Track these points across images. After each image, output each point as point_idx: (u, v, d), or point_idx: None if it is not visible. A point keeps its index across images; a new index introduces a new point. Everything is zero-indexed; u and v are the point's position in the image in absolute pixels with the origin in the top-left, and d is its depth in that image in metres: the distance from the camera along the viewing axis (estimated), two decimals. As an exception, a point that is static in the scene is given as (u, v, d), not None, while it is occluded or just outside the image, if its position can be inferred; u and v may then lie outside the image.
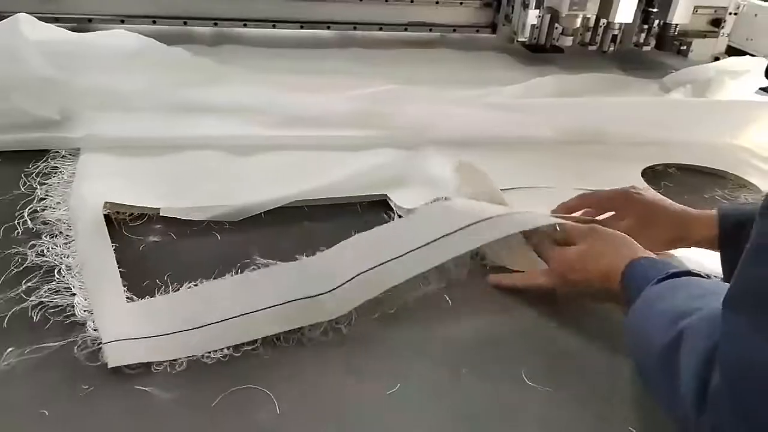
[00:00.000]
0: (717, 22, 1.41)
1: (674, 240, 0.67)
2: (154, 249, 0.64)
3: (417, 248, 0.58)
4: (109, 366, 0.49)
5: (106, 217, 0.65)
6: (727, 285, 0.41)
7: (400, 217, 0.72)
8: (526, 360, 0.54)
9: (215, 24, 1.19)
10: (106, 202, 0.67)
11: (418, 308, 0.58)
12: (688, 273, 0.51)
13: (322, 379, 0.51)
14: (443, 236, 0.59)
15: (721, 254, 0.64)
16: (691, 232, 0.66)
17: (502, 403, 0.50)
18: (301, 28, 1.22)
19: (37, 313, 0.53)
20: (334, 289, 0.56)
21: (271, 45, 1.20)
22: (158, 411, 0.47)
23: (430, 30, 1.31)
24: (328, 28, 1.24)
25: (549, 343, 0.57)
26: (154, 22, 1.16)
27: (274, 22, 1.20)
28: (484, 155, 0.89)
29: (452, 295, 0.61)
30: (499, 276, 0.64)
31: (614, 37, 1.31)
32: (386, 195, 0.77)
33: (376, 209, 0.75)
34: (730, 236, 0.62)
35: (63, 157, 0.77)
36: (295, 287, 0.57)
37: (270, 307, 0.55)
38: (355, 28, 1.25)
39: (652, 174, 0.91)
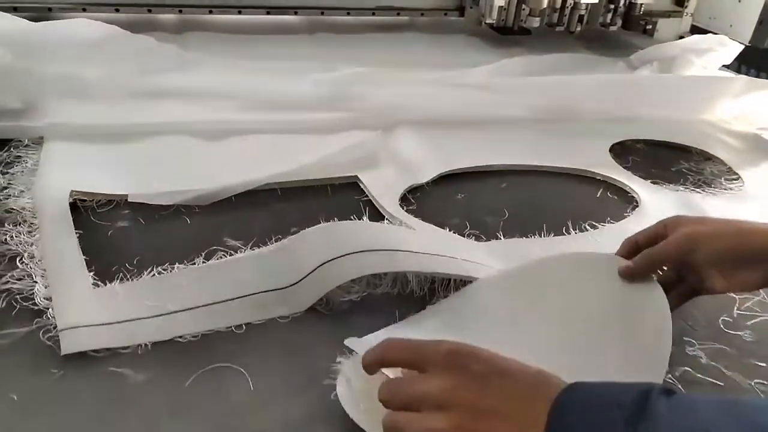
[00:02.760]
0: (681, 2, 1.43)
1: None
2: (122, 234, 0.63)
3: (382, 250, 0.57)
4: (62, 353, 0.48)
5: (73, 204, 0.64)
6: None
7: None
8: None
9: (180, 11, 1.17)
10: (72, 190, 0.65)
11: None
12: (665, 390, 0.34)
13: (296, 355, 0.51)
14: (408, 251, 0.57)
15: None
16: None
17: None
18: (268, 13, 1.21)
19: (3, 299, 0.52)
20: (299, 281, 0.56)
21: (238, 32, 1.19)
22: (132, 392, 0.46)
23: (398, 14, 1.30)
24: (296, 13, 1.22)
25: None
26: (117, 10, 1.14)
27: (240, 8, 1.19)
28: (455, 134, 0.90)
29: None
30: None
31: (581, 17, 1.33)
32: (357, 176, 0.77)
33: (346, 191, 0.75)
34: None
35: (26, 146, 0.76)
36: (259, 279, 0.56)
37: (235, 298, 0.54)
38: (322, 13, 1.24)
39: (620, 149, 0.93)
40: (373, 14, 1.29)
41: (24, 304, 0.52)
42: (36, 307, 0.52)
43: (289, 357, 0.50)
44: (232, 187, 0.70)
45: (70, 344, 0.48)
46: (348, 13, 1.27)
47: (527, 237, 0.68)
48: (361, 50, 1.18)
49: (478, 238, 0.67)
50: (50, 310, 0.51)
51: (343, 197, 0.74)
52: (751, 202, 0.80)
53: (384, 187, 0.75)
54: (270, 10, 1.21)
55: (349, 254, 0.56)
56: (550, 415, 0.33)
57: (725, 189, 0.83)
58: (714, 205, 0.78)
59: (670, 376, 0.52)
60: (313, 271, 0.56)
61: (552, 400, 0.33)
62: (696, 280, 0.52)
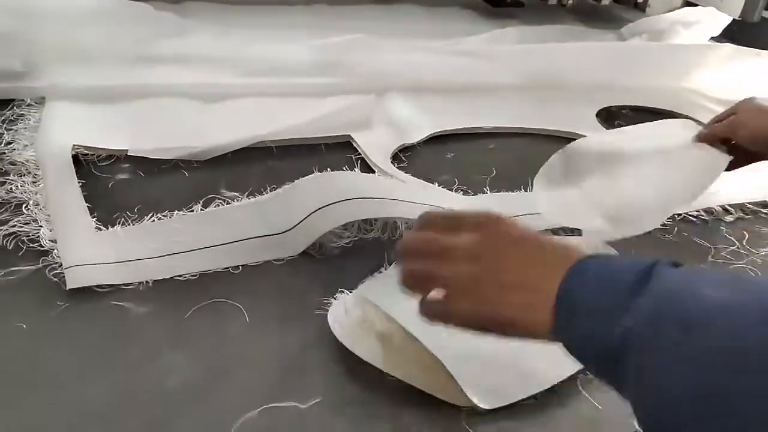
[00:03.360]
0: (672, -24, 1.44)
1: None
2: (123, 186, 0.66)
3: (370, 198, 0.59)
4: (68, 287, 0.50)
5: (75, 157, 0.67)
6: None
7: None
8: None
9: (177, -19, 1.18)
10: (74, 145, 0.68)
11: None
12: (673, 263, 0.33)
13: (289, 293, 0.53)
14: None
15: None
16: None
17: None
18: (265, -18, 1.22)
19: (10, 241, 0.55)
20: (293, 227, 0.58)
21: (236, 2, 1.21)
22: (134, 323, 0.49)
23: (393, -14, 1.32)
24: (292, -17, 1.24)
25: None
26: (115, -20, 1.15)
27: (238, -22, 1.20)
28: (446, 98, 0.92)
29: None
30: None
31: (572, -10, 1.35)
32: (350, 136, 0.79)
33: (340, 149, 0.77)
34: None
35: (28, 105, 0.78)
36: (255, 225, 0.59)
37: (232, 242, 0.57)
38: (319, -17, 1.26)
39: (606, 114, 0.95)
40: (369, -14, 1.30)
41: (30, 245, 0.55)
42: (42, 248, 0.55)
43: (282, 295, 0.53)
44: (228, 144, 0.73)
45: (74, 280, 0.51)
46: (344, -16, 1.28)
47: (514, 191, 0.71)
48: (357, 21, 1.20)
49: (465, 193, 0.70)
50: (55, 251, 0.54)
51: (337, 155, 0.76)
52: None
53: (376, 146, 0.77)
54: (267, -21, 1.22)
55: (341, 201, 0.58)
56: (560, 289, 0.33)
57: (707, 151, 0.86)
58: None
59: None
60: (306, 218, 0.58)
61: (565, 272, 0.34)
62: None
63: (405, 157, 0.77)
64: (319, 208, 0.58)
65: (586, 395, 0.47)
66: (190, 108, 0.82)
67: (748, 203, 0.74)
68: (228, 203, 0.62)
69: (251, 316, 0.51)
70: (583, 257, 0.35)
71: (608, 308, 0.32)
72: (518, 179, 0.72)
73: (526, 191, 0.71)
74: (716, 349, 0.28)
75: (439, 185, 0.70)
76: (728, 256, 0.65)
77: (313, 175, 0.63)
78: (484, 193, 0.70)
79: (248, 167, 0.71)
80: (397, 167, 0.73)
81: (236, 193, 0.65)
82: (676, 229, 0.68)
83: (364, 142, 0.77)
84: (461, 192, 0.70)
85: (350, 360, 0.46)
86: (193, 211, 0.61)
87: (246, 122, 0.79)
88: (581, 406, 0.46)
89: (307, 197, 0.60)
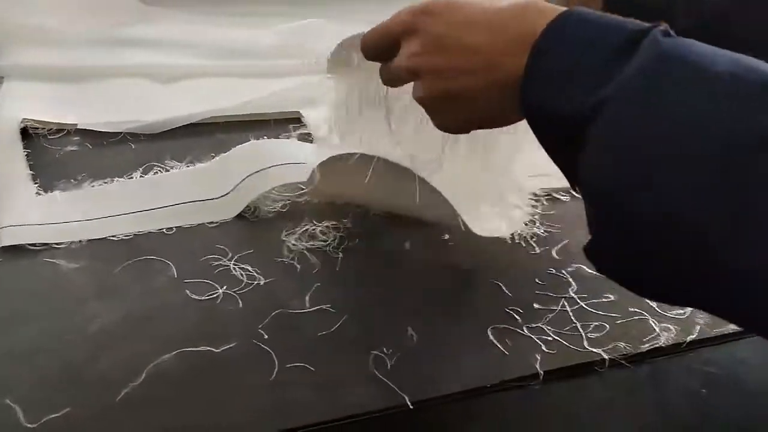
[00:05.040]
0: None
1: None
2: (70, 157, 0.68)
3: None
4: (1, 245, 0.53)
5: (25, 131, 0.69)
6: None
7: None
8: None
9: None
10: (23, 118, 0.70)
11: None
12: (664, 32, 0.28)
13: (218, 251, 0.55)
14: None
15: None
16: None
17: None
18: (232, -27, 1.24)
19: (-49, 204, 0.57)
20: (227, 193, 0.60)
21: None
22: (63, 277, 0.51)
23: (362, -24, 1.34)
24: (259, -27, 1.26)
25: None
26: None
27: (205, -32, 1.22)
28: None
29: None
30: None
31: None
32: (299, 112, 0.81)
33: (288, 125, 0.79)
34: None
35: (-12, 85, 0.80)
36: (190, 190, 0.61)
37: (166, 206, 0.59)
38: (286, -26, 1.28)
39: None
40: (337, -24, 1.32)
41: (-29, 208, 0.57)
42: (-18, 211, 0.57)
43: (211, 252, 0.55)
44: (177, 119, 0.75)
45: (8, 238, 0.53)
46: (312, -26, 1.30)
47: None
48: (325, 8, 1.22)
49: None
50: (-7, 213, 0.56)
51: (285, 131, 0.78)
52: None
53: (323, 122, 0.79)
54: (234, -30, 1.24)
55: (274, 165, 0.60)
56: (529, 60, 0.30)
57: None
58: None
59: (563, 270, 0.57)
60: (240, 182, 0.60)
61: (533, 42, 0.30)
62: None
63: (352, 132, 0.79)
64: (253, 173, 0.60)
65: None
66: (146, 86, 0.84)
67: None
68: (168, 170, 0.64)
69: (179, 271, 0.53)
70: (560, 14, 0.30)
71: (585, 74, 0.28)
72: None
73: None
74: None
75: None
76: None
77: (249, 142, 0.65)
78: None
79: (196, 140, 0.73)
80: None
81: (180, 164, 0.67)
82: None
83: (312, 117, 0.79)
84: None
85: (263, 315, 0.48)
86: (132, 177, 0.63)
87: (200, 100, 0.81)
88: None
89: (243, 163, 0.62)
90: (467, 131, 0.37)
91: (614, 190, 0.27)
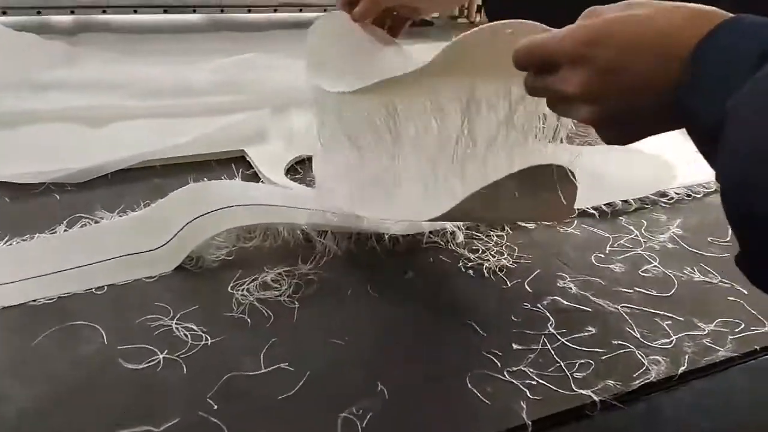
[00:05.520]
0: None
1: None
2: (-15, 212, 0.60)
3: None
4: None
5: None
6: None
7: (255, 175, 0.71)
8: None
9: (72, 12, 1.14)
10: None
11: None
12: None
13: (156, 311, 0.49)
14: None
15: None
16: None
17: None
18: (165, 12, 1.19)
19: None
20: (166, 242, 0.54)
21: (135, 32, 1.17)
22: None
23: (301, 10, 1.31)
24: (194, 11, 1.22)
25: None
26: (5, 13, 1.10)
27: (136, 8, 1.17)
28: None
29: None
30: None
31: (479, 7, 1.37)
32: (243, 151, 0.76)
33: (231, 164, 0.74)
34: None
35: None
36: (123, 243, 0.55)
37: (94, 263, 0.53)
38: (222, 11, 1.24)
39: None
40: (275, 11, 1.29)
41: None
42: None
43: (149, 312, 0.49)
44: (108, 164, 0.69)
45: None
46: (249, 11, 1.27)
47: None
48: (263, 47, 1.17)
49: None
50: None
51: (229, 171, 0.72)
52: (630, 153, 0.83)
53: (270, 159, 0.74)
54: (167, 8, 1.20)
55: (216, 210, 0.55)
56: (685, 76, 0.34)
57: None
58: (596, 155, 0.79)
59: (538, 304, 0.53)
60: (179, 231, 0.54)
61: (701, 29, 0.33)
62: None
63: (301, 168, 0.74)
64: (193, 219, 0.54)
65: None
66: (74, 131, 0.78)
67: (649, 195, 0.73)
68: (97, 222, 0.58)
69: (111, 336, 0.46)
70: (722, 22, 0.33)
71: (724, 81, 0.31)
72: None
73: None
74: None
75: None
76: (627, 244, 0.64)
77: (187, 186, 0.59)
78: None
79: (130, 186, 0.67)
80: (290, 179, 0.70)
81: (111, 214, 0.60)
82: (575, 222, 0.67)
83: (257, 155, 0.74)
84: (357, 199, 0.67)
85: (211, 380, 0.42)
86: (56, 232, 0.56)
87: (134, 142, 0.75)
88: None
89: (182, 209, 0.56)
90: (632, 142, 0.40)
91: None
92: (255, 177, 0.71)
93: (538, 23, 0.42)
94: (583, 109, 0.38)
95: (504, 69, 0.42)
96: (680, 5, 0.35)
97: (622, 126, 0.38)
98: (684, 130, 0.36)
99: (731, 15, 0.34)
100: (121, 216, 0.59)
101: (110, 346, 0.45)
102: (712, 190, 0.75)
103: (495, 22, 0.43)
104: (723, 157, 0.31)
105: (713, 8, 0.34)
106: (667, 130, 0.38)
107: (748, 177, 0.29)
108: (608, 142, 0.40)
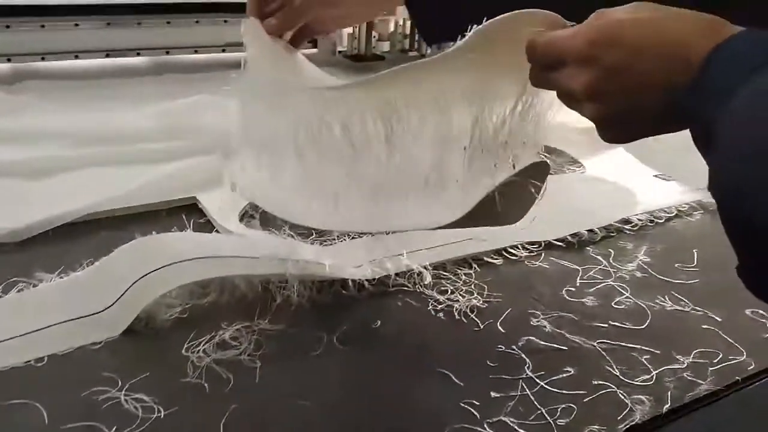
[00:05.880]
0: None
1: None
2: None
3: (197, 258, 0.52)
4: None
5: None
6: None
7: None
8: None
9: (8, 60, 1.09)
10: None
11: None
12: None
13: (106, 381, 0.45)
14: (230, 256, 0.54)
15: None
16: None
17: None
18: (107, 56, 1.15)
19: None
20: (112, 304, 0.50)
21: (77, 78, 1.12)
22: None
23: (250, 50, 1.29)
24: (138, 54, 1.18)
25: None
26: (-66, 63, 1.05)
27: (77, 53, 1.13)
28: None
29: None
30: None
31: (429, 40, 1.37)
32: (195, 197, 0.72)
33: (183, 213, 0.70)
34: None
35: None
36: (64, 307, 0.51)
37: (30, 332, 0.48)
38: (167, 53, 1.20)
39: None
40: (224, 51, 1.26)
41: None
42: None
43: (94, 384, 0.44)
44: (48, 220, 0.64)
45: None
46: (196, 51, 1.24)
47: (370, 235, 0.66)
48: (212, 88, 1.14)
49: (323, 243, 0.65)
50: None
51: (179, 222, 0.68)
52: (592, 182, 0.83)
53: (224, 206, 0.70)
54: (109, 52, 1.15)
55: (167, 265, 0.51)
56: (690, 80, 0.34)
57: (568, 172, 0.86)
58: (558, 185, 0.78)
59: (513, 346, 0.51)
60: (127, 290, 0.50)
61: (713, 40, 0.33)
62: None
63: (257, 213, 0.71)
64: (141, 277, 0.50)
65: None
66: (10, 186, 0.73)
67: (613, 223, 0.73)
68: (35, 285, 0.53)
69: (52, 414, 0.41)
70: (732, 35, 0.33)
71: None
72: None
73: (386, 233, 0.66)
74: None
75: (294, 237, 0.64)
76: (597, 276, 0.62)
77: (133, 241, 0.55)
78: (342, 242, 0.65)
79: (72, 243, 0.62)
80: (246, 225, 0.67)
81: (51, 275, 0.56)
82: (543, 255, 0.66)
83: (210, 202, 0.71)
84: (318, 243, 0.64)
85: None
86: (-11, 299, 0.51)
87: (75, 195, 0.70)
88: None
89: (128, 266, 0.52)
90: (632, 141, 0.41)
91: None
92: (208, 225, 0.68)
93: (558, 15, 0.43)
94: (586, 107, 0.39)
95: (518, 61, 0.43)
96: (686, 11, 0.36)
97: (623, 125, 0.39)
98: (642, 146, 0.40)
99: (741, 28, 0.34)
100: (62, 277, 0.55)
101: (51, 426, 0.41)
102: (673, 215, 0.75)
103: (517, 12, 0.42)
104: (718, 159, 0.31)
105: (720, 18, 0.35)
106: (669, 131, 0.39)
107: (744, 180, 0.29)
108: (609, 141, 0.41)
